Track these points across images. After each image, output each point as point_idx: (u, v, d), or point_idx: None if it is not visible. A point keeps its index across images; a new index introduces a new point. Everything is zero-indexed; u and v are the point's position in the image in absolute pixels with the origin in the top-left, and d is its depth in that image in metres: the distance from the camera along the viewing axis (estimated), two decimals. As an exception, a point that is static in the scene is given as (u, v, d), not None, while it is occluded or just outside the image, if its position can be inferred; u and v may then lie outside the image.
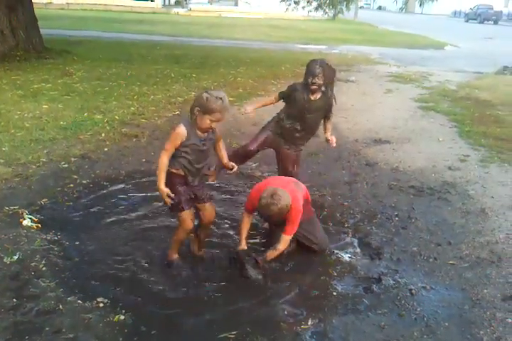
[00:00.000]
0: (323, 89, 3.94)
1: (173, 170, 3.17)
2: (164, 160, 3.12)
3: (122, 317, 2.91)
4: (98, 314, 2.93)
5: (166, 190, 3.11)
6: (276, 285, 3.33)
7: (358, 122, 7.58)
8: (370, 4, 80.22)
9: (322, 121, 4.21)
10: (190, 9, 36.05)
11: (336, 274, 3.49)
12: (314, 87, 3.87)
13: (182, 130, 3.09)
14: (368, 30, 29.16)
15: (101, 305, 3.02)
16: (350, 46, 18.65)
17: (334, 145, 4.24)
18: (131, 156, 5.60)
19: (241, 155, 4.31)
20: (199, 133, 3.14)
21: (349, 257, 3.73)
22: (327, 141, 4.22)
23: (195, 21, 27.45)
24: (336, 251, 3.79)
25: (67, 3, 33.72)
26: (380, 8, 75.39)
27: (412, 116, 8.21)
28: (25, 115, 6.92)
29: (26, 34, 11.89)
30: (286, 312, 3.05)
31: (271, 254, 3.36)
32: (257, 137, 4.26)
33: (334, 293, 3.27)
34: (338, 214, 4.40)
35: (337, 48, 17.98)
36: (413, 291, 3.26)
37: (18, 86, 8.72)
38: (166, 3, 41.10)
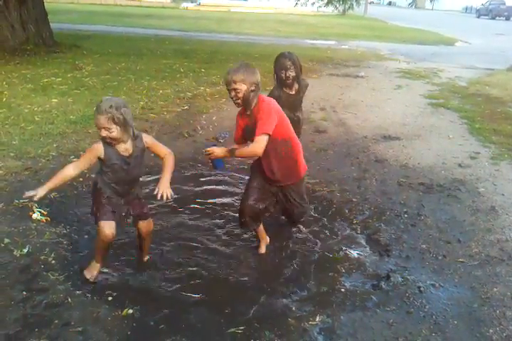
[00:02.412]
0: (297, 80, 3.97)
1: (98, 187, 3.04)
2: (67, 170, 2.99)
3: (130, 311, 2.92)
4: (106, 308, 2.94)
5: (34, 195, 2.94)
6: (285, 281, 3.32)
7: (367, 118, 7.55)
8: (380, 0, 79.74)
9: None
10: (200, 4, 36.02)
11: (344, 271, 3.48)
12: (289, 80, 3.88)
13: (98, 147, 2.91)
14: (377, 25, 28.95)
15: (109, 298, 3.03)
16: (360, 42, 18.56)
17: None
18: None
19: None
20: (120, 148, 2.92)
21: (357, 254, 3.71)
22: None
23: (205, 16, 27.41)
24: (344, 248, 3.77)
25: (77, -3, 33.80)
26: (390, 3, 74.94)
27: (421, 112, 8.16)
28: (35, 109, 6.96)
29: (36, 28, 11.95)
30: (293, 308, 3.05)
31: (242, 151, 3.22)
32: None
33: (342, 290, 3.25)
34: (346, 211, 4.38)
35: (346, 44, 17.90)
36: (422, 289, 3.25)
37: (28, 80, 8.76)
38: (175, -3, 41.03)
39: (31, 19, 11.83)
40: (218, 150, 3.17)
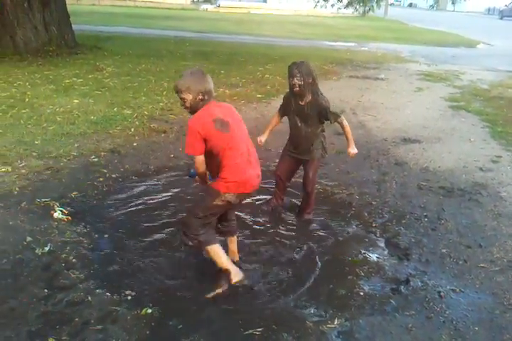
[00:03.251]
0: (310, 92, 3.82)
1: None
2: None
3: (149, 310, 2.95)
4: (126, 307, 2.97)
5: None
6: (303, 283, 3.31)
7: (387, 121, 7.50)
8: (400, 1, 79.08)
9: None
10: (219, 5, 36.10)
11: (363, 274, 3.46)
12: (296, 88, 3.78)
13: None
14: (398, 27, 28.74)
15: (129, 298, 3.06)
16: (380, 44, 18.43)
17: (352, 156, 4.10)
18: (159, 151, 5.65)
19: (277, 181, 4.34)
20: None
21: (377, 257, 3.69)
22: (348, 154, 4.11)
23: (224, 18, 27.49)
24: (363, 251, 3.75)
25: (98, -1, 34.18)
26: (410, 5, 74.25)
27: (442, 115, 8.07)
28: (57, 109, 7.05)
29: (59, 30, 12.10)
30: (312, 311, 3.04)
31: (198, 173, 3.11)
32: (278, 163, 4.35)
33: (361, 293, 3.24)
34: (365, 214, 4.36)
35: (366, 46, 17.79)
36: (442, 294, 3.21)
37: (50, 80, 8.88)
38: (195, -1, 41.24)
39: (54, 21, 11.98)
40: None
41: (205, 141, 2.91)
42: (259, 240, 3.86)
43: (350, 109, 8.06)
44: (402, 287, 3.28)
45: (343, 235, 3.99)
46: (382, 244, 3.90)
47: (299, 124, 3.97)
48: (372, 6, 20.19)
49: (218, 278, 3.21)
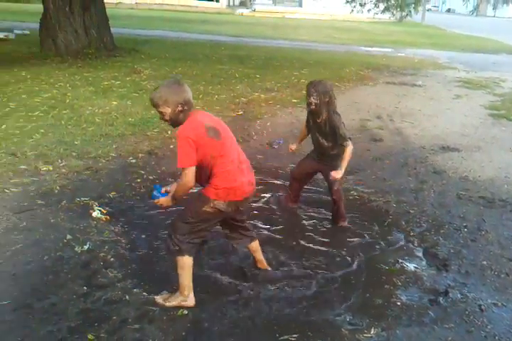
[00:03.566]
0: (326, 110, 3.88)
1: None
2: None
3: (185, 312, 2.97)
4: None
5: None
6: (339, 292, 3.28)
7: (424, 128, 7.38)
8: (438, 7, 77.92)
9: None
10: (255, 10, 36.32)
11: (400, 284, 3.40)
12: (312, 106, 3.87)
13: None
14: (435, 33, 28.32)
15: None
16: (417, 50, 18.18)
17: (332, 177, 3.87)
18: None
19: (291, 181, 4.45)
20: None
21: (414, 267, 3.62)
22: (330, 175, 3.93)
23: (259, 22, 27.63)
24: (400, 260, 3.69)
25: (136, 3, 34.89)
26: (448, 10, 73.09)
27: (482, 123, 7.90)
28: (96, 110, 7.20)
29: (98, 33, 12.40)
30: (347, 319, 3.00)
31: (176, 191, 2.93)
32: (297, 163, 4.42)
33: (398, 303, 3.18)
34: (403, 222, 4.29)
35: (403, 51, 17.58)
36: (483, 307, 3.13)
37: (89, 82, 9.09)
38: (231, 3, 41.61)
39: (94, 24, 12.28)
40: (165, 200, 3.01)
41: (196, 150, 2.77)
42: (294, 247, 3.85)
43: (387, 116, 7.97)
44: (441, 298, 3.21)
45: (380, 243, 3.93)
46: (420, 254, 3.82)
47: (320, 140, 4.04)
48: (410, 12, 19.90)
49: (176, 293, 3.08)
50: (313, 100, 3.83)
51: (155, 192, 3.05)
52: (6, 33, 14.36)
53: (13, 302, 2.95)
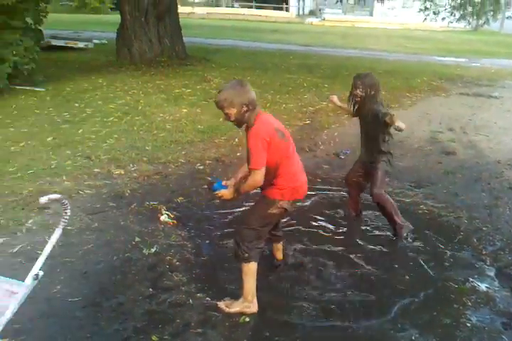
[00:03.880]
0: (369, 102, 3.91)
1: None
2: None
3: (247, 319, 2.98)
4: (225, 313, 3.02)
5: None
6: (405, 308, 3.18)
7: (501, 141, 7.03)
8: (518, 15, 74.35)
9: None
10: (324, 19, 36.22)
11: (470, 304, 3.24)
12: (357, 99, 3.96)
13: None
14: (514, 42, 27.03)
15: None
16: (494, 60, 17.40)
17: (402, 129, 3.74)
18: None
19: (347, 187, 4.46)
20: None
21: (486, 287, 3.45)
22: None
23: (329, 31, 27.52)
24: (471, 279, 3.52)
25: (208, 13, 35.75)
26: (529, 19, 69.57)
27: None
28: (167, 117, 7.43)
29: (171, 42, 12.82)
30: (413, 337, 2.90)
31: (244, 187, 2.99)
32: (350, 170, 4.41)
33: (468, 324, 3.03)
34: (475, 240, 4.09)
35: (478, 62, 16.89)
36: (562, 334, 2.93)
37: (161, 90, 9.39)
38: (300, 12, 41.76)
39: (167, 34, 12.72)
40: (227, 193, 3.05)
41: (267, 150, 2.85)
42: (361, 260, 3.78)
43: (460, 128, 7.67)
44: (516, 322, 3.04)
45: (450, 261, 3.78)
46: (492, 274, 3.63)
47: (365, 130, 4.12)
48: (488, 19, 19.12)
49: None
50: (359, 92, 3.91)
51: (216, 185, 3.12)
52: (86, 43, 15.17)
53: (83, 300, 3.09)
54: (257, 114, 2.90)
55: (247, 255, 2.99)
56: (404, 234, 4.06)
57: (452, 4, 18.10)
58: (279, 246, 3.58)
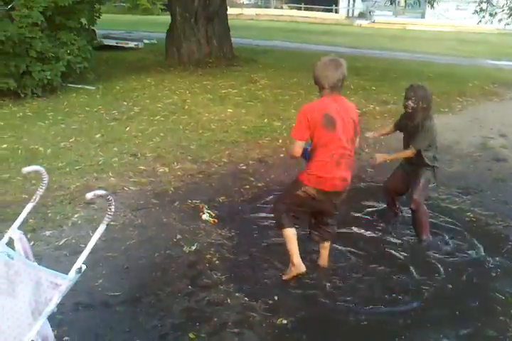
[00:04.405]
0: (421, 114, 3.87)
1: None
2: None
3: (284, 321, 2.95)
4: (262, 314, 3.01)
5: None
6: (449, 319, 3.07)
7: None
8: None
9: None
10: (374, 21, 35.70)
11: (517, 317, 3.11)
12: (408, 110, 3.89)
13: None
14: None
15: (266, 305, 3.09)
16: (553, 64, 16.68)
17: (371, 162, 4.27)
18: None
19: (388, 195, 4.41)
20: None
21: (535, 300, 3.30)
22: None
23: (378, 33, 27.10)
24: (519, 291, 3.38)
25: (256, 14, 35.91)
26: None
27: None
28: (212, 117, 7.49)
29: (219, 43, 12.93)
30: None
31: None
32: (390, 175, 4.36)
33: (514, 338, 2.91)
34: (525, 250, 3.93)
35: (536, 66, 16.23)
36: None
37: (208, 90, 9.48)
38: (350, 14, 41.33)
39: (215, 35, 12.84)
40: None
41: (309, 129, 3.00)
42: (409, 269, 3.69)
43: (513, 134, 7.39)
44: None
45: (497, 271, 3.63)
46: (543, 287, 3.47)
47: (410, 143, 4.02)
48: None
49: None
50: (410, 103, 3.86)
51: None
52: (136, 43, 15.51)
53: (124, 294, 3.14)
54: (322, 95, 3.05)
55: (279, 223, 3.32)
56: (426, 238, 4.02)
57: (510, 5, 17.43)
58: (325, 245, 3.50)
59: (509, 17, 15.65)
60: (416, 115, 3.88)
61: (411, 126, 3.96)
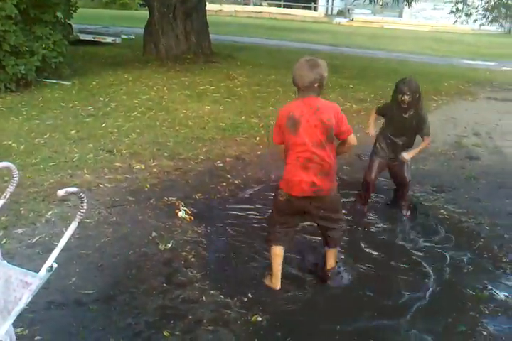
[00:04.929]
0: (414, 106, 4.06)
1: None
2: None
3: (259, 318, 2.96)
4: (237, 311, 3.01)
5: None
6: (422, 314, 3.12)
7: (527, 148, 6.88)
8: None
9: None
10: (353, 19, 35.99)
11: (487, 312, 3.17)
12: (405, 105, 4.02)
13: None
14: (547, 47, 26.39)
15: (240, 303, 3.09)
16: (526, 64, 17.05)
17: (401, 159, 4.30)
18: (281, 161, 5.67)
19: (368, 186, 4.47)
20: None
21: (505, 296, 3.36)
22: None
23: (357, 32, 27.32)
24: (489, 287, 3.45)
25: (235, 11, 35.86)
26: None
27: None
28: (190, 114, 7.46)
29: (197, 39, 12.88)
30: (426, 343, 2.85)
31: None
32: (370, 167, 4.41)
33: (484, 333, 2.96)
34: (495, 247, 4.00)
35: (509, 65, 16.56)
36: None
37: (185, 86, 9.44)
38: (329, 12, 41.53)
39: (194, 30, 12.78)
40: None
41: (281, 132, 3.02)
42: (376, 263, 3.73)
43: (486, 133, 7.53)
44: (535, 333, 2.96)
45: (468, 267, 3.70)
46: (511, 282, 3.55)
47: (400, 135, 4.24)
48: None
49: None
50: (406, 98, 3.98)
51: None
52: (113, 38, 15.34)
53: (97, 293, 3.10)
54: (297, 95, 2.99)
55: (266, 238, 3.33)
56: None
57: (485, 6, 17.76)
58: (329, 252, 3.36)
59: (483, 18, 15.94)
60: (410, 108, 4.04)
61: (404, 117, 4.11)
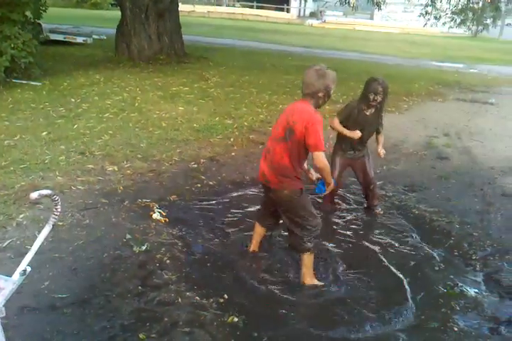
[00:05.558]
0: (379, 105, 4.17)
1: None
2: None
3: (236, 319, 2.97)
4: (213, 312, 3.02)
5: None
6: (394, 311, 3.18)
7: (495, 148, 7.05)
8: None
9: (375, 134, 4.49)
10: (325, 21, 36.29)
11: (458, 308, 3.26)
12: (374, 103, 4.08)
13: None
14: (512, 49, 27.11)
15: (216, 304, 3.10)
16: (492, 66, 17.46)
17: (382, 156, 4.49)
18: (256, 162, 5.70)
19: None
20: None
21: (475, 292, 3.46)
22: (377, 154, 4.47)
23: (329, 33, 27.56)
24: (460, 284, 3.54)
25: (208, 12, 35.76)
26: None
27: (559, 146, 7.44)
28: (163, 115, 7.41)
29: (170, 40, 12.78)
30: (401, 340, 2.90)
31: None
32: (333, 166, 4.35)
33: (455, 329, 3.05)
34: (465, 245, 4.11)
35: (476, 68, 16.96)
36: (549, 341, 2.94)
37: (158, 87, 9.36)
38: (301, 14, 41.78)
39: (166, 31, 12.68)
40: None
41: None
42: (346, 262, 3.78)
43: (456, 133, 7.69)
44: (503, 328, 3.04)
45: (439, 265, 3.79)
46: (481, 279, 3.65)
47: (365, 132, 4.26)
48: (487, 25, 19.16)
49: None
50: (379, 98, 4.04)
51: (319, 184, 3.36)
52: (84, 38, 15.12)
53: (72, 296, 3.07)
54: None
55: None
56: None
57: (453, 9, 18.16)
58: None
59: (452, 21, 16.30)
60: (376, 106, 4.14)
61: (368, 116, 4.20)
